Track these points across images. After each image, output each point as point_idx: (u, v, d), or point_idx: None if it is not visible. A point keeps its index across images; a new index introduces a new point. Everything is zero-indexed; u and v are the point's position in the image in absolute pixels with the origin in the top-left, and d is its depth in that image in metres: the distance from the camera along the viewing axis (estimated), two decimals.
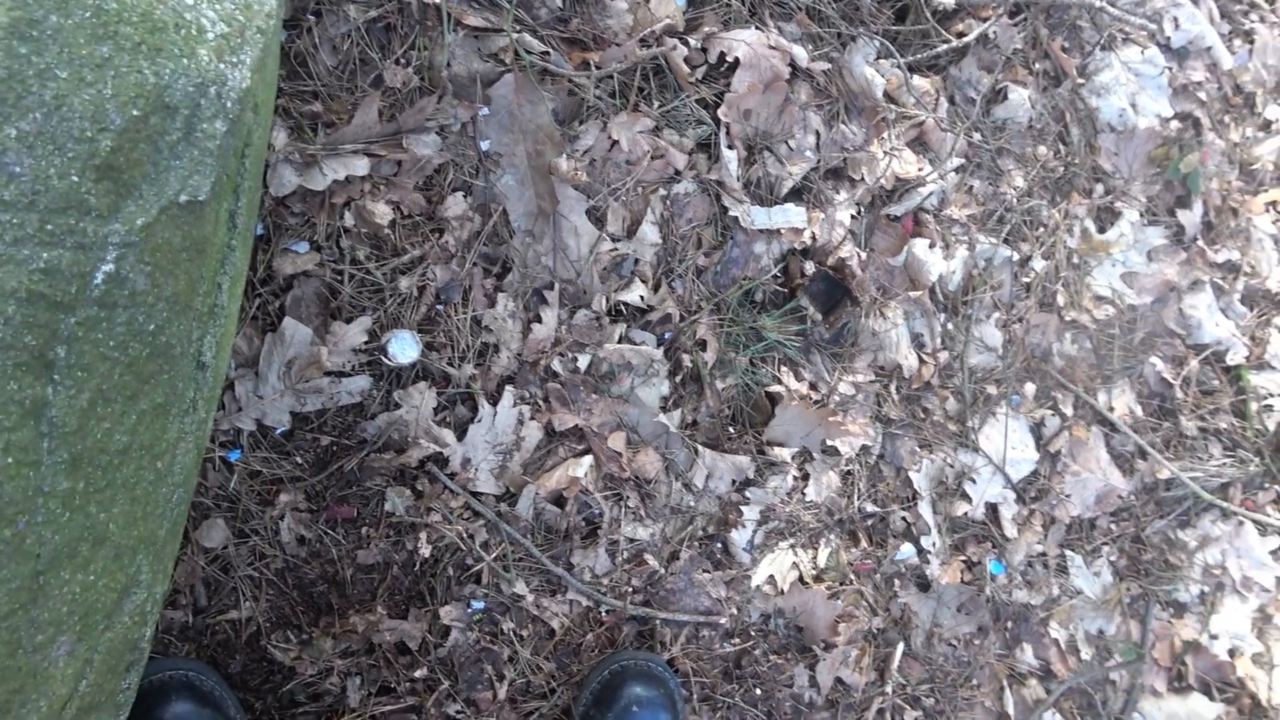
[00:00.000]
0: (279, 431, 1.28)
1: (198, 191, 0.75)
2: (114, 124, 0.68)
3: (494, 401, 1.34)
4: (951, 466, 1.58)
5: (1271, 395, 1.74)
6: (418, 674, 1.30)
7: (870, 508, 1.54)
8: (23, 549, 0.68)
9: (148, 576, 0.82)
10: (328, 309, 1.28)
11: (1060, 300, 1.66)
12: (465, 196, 1.33)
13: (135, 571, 0.79)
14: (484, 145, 1.34)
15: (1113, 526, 1.67)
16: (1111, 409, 1.67)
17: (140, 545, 0.79)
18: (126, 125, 0.69)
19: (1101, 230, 1.70)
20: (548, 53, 1.35)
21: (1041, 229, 1.66)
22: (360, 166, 1.24)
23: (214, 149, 0.75)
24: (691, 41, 1.42)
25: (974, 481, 1.58)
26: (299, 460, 1.29)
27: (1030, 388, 1.63)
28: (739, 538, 1.46)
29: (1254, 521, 1.69)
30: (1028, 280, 1.64)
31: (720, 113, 1.43)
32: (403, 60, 1.28)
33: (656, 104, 1.42)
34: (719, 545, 1.47)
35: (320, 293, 1.28)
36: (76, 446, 0.70)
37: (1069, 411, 1.65)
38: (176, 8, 0.72)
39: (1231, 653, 1.66)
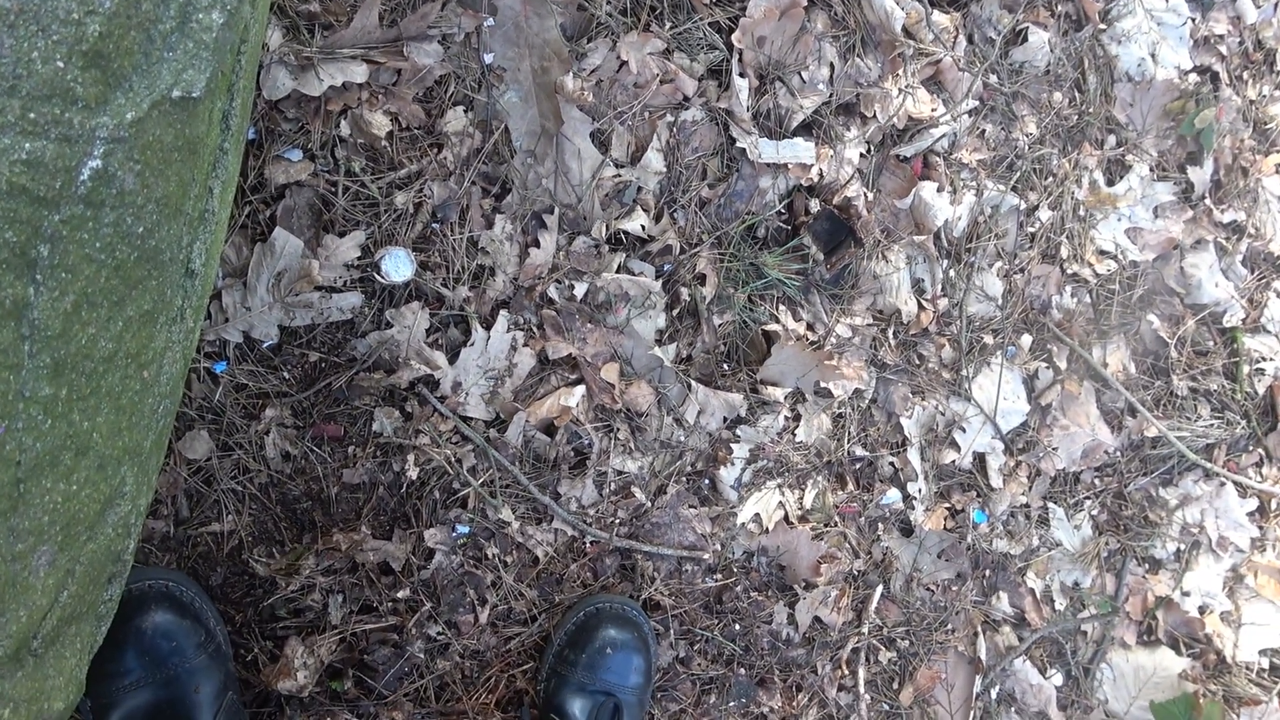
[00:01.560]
0: (266, 345, 1.24)
1: (192, 87, 0.71)
2: (103, 7, 0.63)
3: (488, 326, 1.31)
4: (943, 414, 1.57)
5: (1264, 359, 1.73)
6: (400, 594, 1.30)
7: (859, 451, 1.53)
8: (1, 455, 0.65)
9: (132, 488, 0.79)
10: (320, 221, 1.24)
11: (1063, 252, 1.64)
12: (466, 111, 1.28)
13: (119, 483, 0.76)
14: (488, 58, 1.28)
15: (1096, 481, 1.68)
16: (1105, 365, 1.66)
17: (125, 456, 0.76)
18: (117, 9, 0.64)
19: (1110, 183, 1.68)
20: None
21: (1050, 178, 1.63)
22: (358, 73, 1.19)
23: (210, 42, 0.71)
24: None
25: (964, 430, 1.58)
26: (286, 375, 1.26)
27: (1027, 339, 1.61)
28: (727, 475, 1.45)
29: (1235, 483, 1.70)
30: (1033, 230, 1.62)
31: (734, 38, 1.37)
32: None
33: (668, 25, 1.37)
34: (707, 481, 1.46)
35: (313, 204, 1.23)
36: (59, 351, 0.67)
37: (1063, 365, 1.64)
38: None
39: (1201, 610, 1.68)
